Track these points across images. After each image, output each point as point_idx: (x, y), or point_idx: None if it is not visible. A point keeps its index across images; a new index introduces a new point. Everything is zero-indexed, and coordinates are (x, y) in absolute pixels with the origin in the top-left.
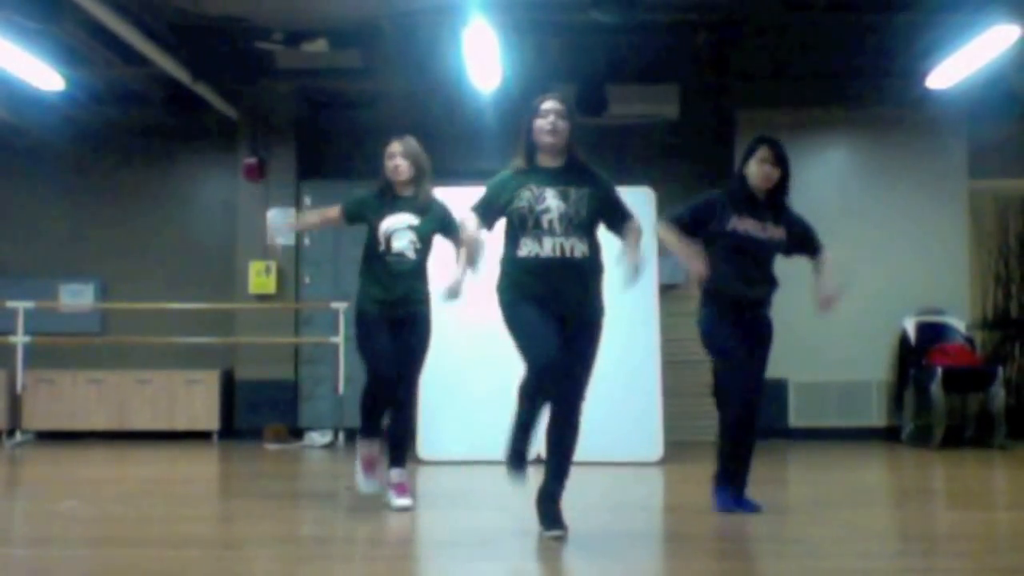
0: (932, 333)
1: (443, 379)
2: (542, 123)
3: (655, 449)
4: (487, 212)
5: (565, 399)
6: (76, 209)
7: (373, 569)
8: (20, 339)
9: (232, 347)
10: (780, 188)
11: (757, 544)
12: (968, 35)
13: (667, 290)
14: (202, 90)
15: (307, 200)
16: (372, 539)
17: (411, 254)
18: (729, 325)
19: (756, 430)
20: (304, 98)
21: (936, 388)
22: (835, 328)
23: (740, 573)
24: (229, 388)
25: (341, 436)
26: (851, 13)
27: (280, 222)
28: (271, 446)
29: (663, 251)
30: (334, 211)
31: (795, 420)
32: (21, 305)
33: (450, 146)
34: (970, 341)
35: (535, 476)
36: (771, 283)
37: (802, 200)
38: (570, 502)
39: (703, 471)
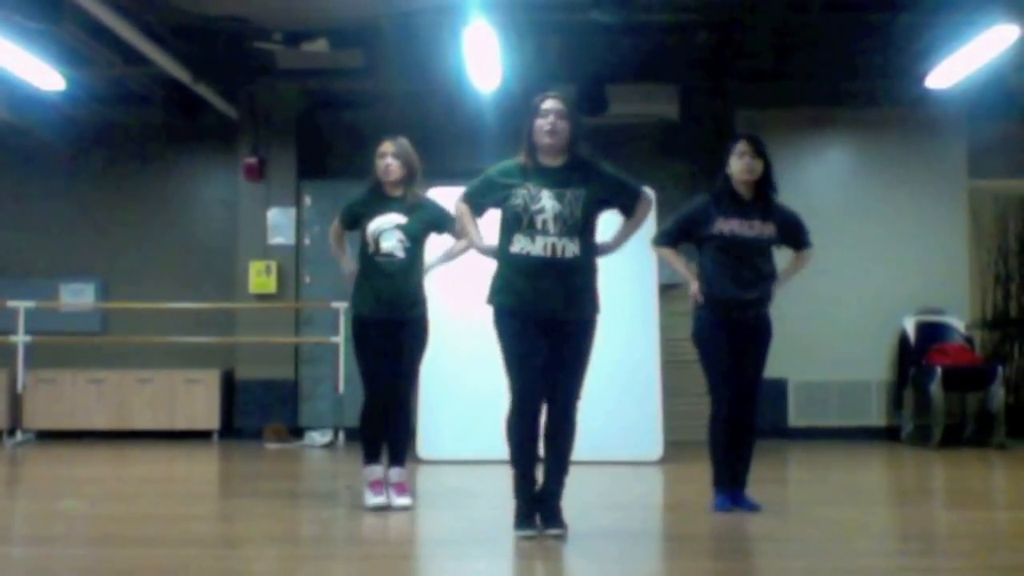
0: (932, 333)
1: (443, 378)
2: (542, 123)
3: (655, 448)
4: (480, 200)
5: (560, 399)
6: (76, 209)
7: (373, 569)
8: (21, 338)
9: (232, 347)
10: (765, 182)
11: (757, 543)
12: (968, 35)
13: (667, 290)
14: (203, 90)
15: (307, 200)
16: (372, 539)
17: (400, 253)
18: (720, 326)
19: (756, 429)
20: (304, 98)
21: (936, 387)
22: (835, 328)
23: (739, 573)
24: (229, 388)
25: (341, 435)
26: (851, 13)
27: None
28: (271, 445)
29: None
30: (335, 226)
31: (795, 420)
32: (22, 304)
33: (450, 146)
34: (969, 341)
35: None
36: (766, 280)
37: (802, 200)
38: (570, 501)
39: (703, 471)
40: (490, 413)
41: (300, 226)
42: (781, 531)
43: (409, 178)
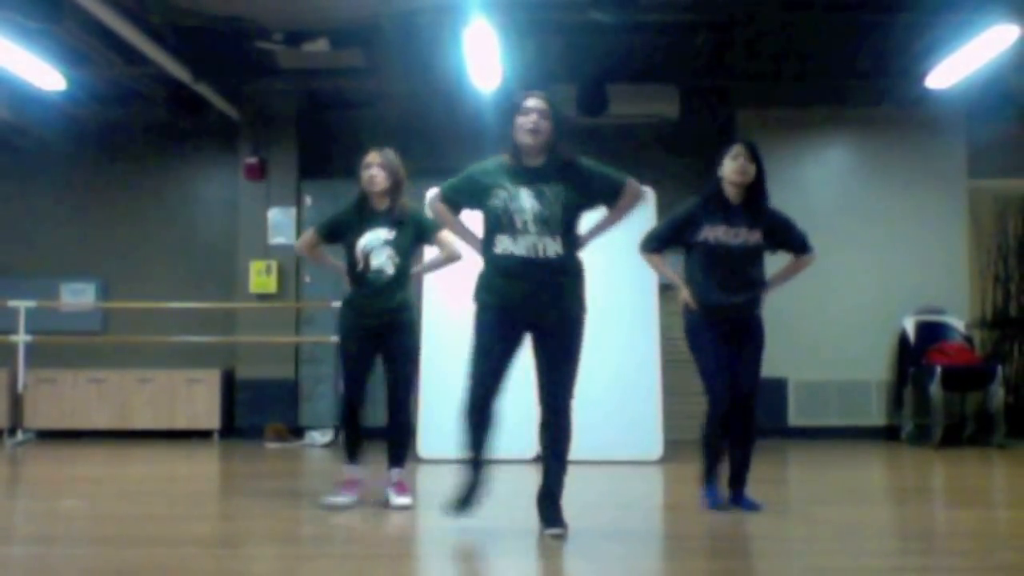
0: (931, 332)
1: (443, 378)
2: (523, 121)
3: (655, 448)
4: (456, 199)
5: (553, 400)
6: (77, 208)
7: (373, 568)
8: (21, 338)
9: (233, 346)
10: (757, 189)
11: (756, 543)
12: (967, 35)
13: (667, 290)
14: (203, 90)
15: (308, 199)
16: (372, 538)
17: (390, 269)
18: (710, 328)
19: (755, 429)
20: (305, 98)
21: (935, 387)
22: (835, 327)
23: (739, 572)
24: (230, 387)
25: (342, 435)
26: (851, 13)
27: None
28: (272, 445)
29: None
30: (310, 236)
31: (795, 419)
32: (22, 304)
33: (450, 146)
34: (969, 340)
35: (534, 475)
36: (754, 287)
37: (802, 200)
38: (570, 501)
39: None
40: None
41: (301, 226)
42: (781, 531)
43: (395, 189)
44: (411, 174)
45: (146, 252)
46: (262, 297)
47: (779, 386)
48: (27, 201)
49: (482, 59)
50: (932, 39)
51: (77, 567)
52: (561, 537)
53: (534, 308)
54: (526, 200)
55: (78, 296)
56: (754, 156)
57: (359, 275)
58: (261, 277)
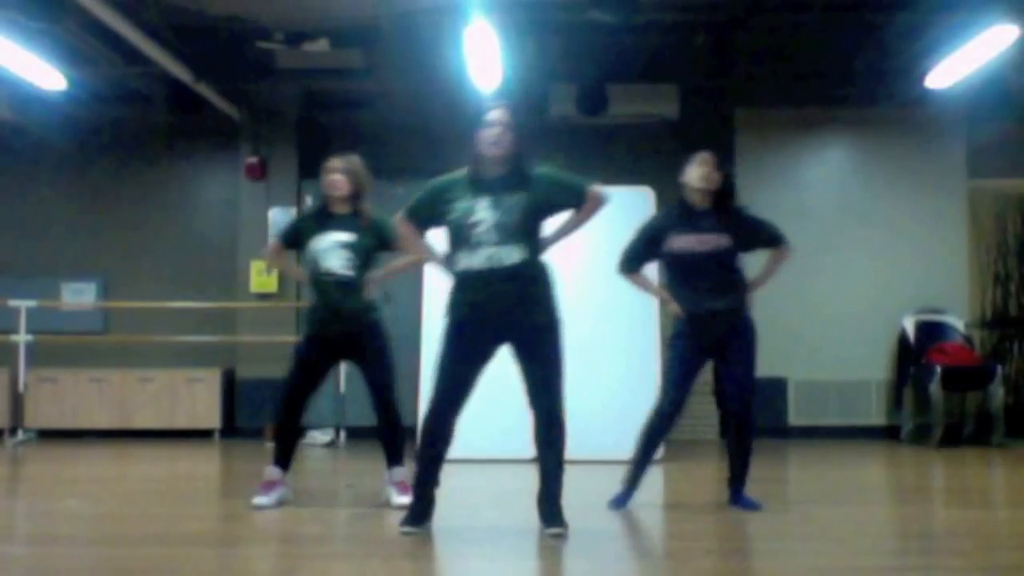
0: (931, 332)
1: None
2: (486, 134)
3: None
4: (420, 216)
5: (541, 406)
6: (78, 208)
7: (373, 568)
8: (22, 338)
9: (233, 346)
10: (724, 195)
11: (757, 543)
12: (967, 35)
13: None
14: (204, 90)
15: (308, 199)
16: (372, 537)
17: (344, 271)
18: (692, 336)
19: (753, 428)
20: (306, 97)
21: (935, 387)
22: (835, 327)
23: (740, 572)
24: (230, 387)
25: (342, 435)
26: (851, 13)
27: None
28: (272, 444)
29: None
30: (274, 243)
31: (795, 419)
32: (23, 304)
33: (450, 146)
34: (969, 340)
35: (534, 474)
36: (734, 291)
37: (802, 199)
38: (570, 500)
39: (703, 470)
40: (492, 412)
41: None
42: (781, 530)
43: (356, 195)
44: (411, 174)
45: (147, 252)
46: (263, 297)
47: (779, 386)
48: (28, 201)
49: (482, 59)
50: (932, 39)
51: (78, 566)
52: (561, 537)
53: (500, 318)
54: (484, 211)
55: (79, 296)
56: (719, 165)
57: (313, 277)
58: (262, 277)
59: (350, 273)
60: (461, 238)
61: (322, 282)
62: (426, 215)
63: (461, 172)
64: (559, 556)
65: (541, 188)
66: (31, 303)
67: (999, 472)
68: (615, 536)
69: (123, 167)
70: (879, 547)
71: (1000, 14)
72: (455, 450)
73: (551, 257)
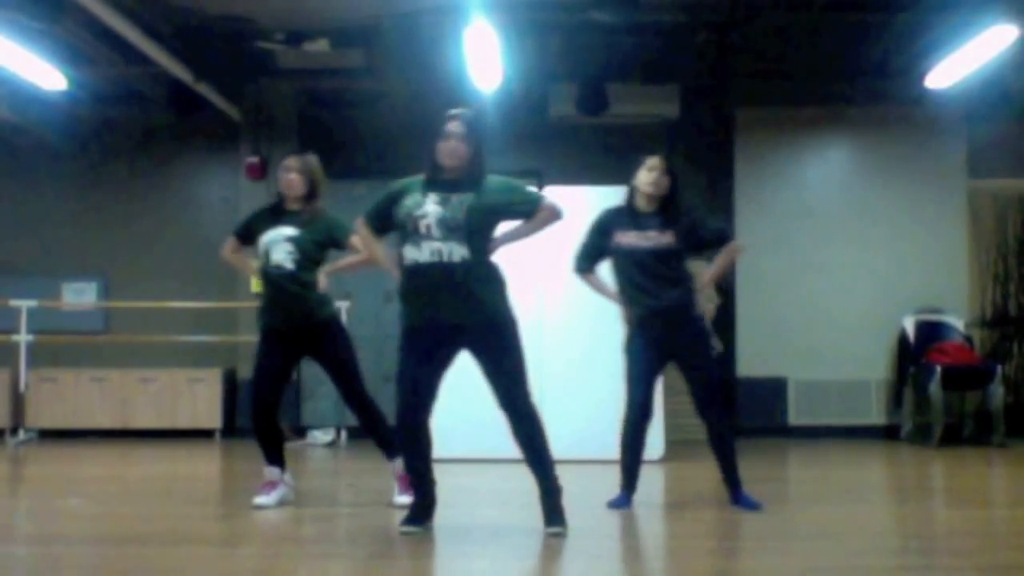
0: (931, 332)
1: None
2: (443, 146)
3: (656, 448)
4: (376, 217)
5: (506, 403)
6: (79, 208)
7: (374, 568)
8: (23, 337)
9: (234, 346)
10: (670, 200)
11: (757, 543)
12: (967, 35)
13: None
14: (204, 90)
15: None
16: (373, 537)
17: (289, 264)
18: (642, 335)
19: (731, 430)
20: (306, 97)
21: (935, 386)
22: (835, 327)
23: (740, 572)
24: (232, 386)
25: (343, 434)
26: (851, 13)
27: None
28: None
29: None
30: (230, 240)
31: (795, 418)
32: (24, 303)
33: None
34: (969, 340)
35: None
36: (677, 287)
37: (802, 199)
38: (570, 501)
39: (703, 470)
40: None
41: None
42: (781, 530)
43: (311, 195)
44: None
45: (148, 251)
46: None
47: (779, 386)
48: (28, 201)
49: (482, 59)
50: (932, 39)
51: (78, 566)
52: (561, 536)
53: (448, 314)
54: (430, 205)
55: (80, 295)
56: (668, 170)
57: (263, 271)
58: None
59: (291, 267)
60: (407, 231)
61: (270, 275)
62: (383, 216)
63: (416, 176)
64: (559, 556)
65: (490, 192)
66: (32, 303)
67: (999, 472)
68: (615, 536)
69: (123, 167)
70: (879, 547)
71: (1000, 14)
72: (455, 450)
73: (504, 257)
